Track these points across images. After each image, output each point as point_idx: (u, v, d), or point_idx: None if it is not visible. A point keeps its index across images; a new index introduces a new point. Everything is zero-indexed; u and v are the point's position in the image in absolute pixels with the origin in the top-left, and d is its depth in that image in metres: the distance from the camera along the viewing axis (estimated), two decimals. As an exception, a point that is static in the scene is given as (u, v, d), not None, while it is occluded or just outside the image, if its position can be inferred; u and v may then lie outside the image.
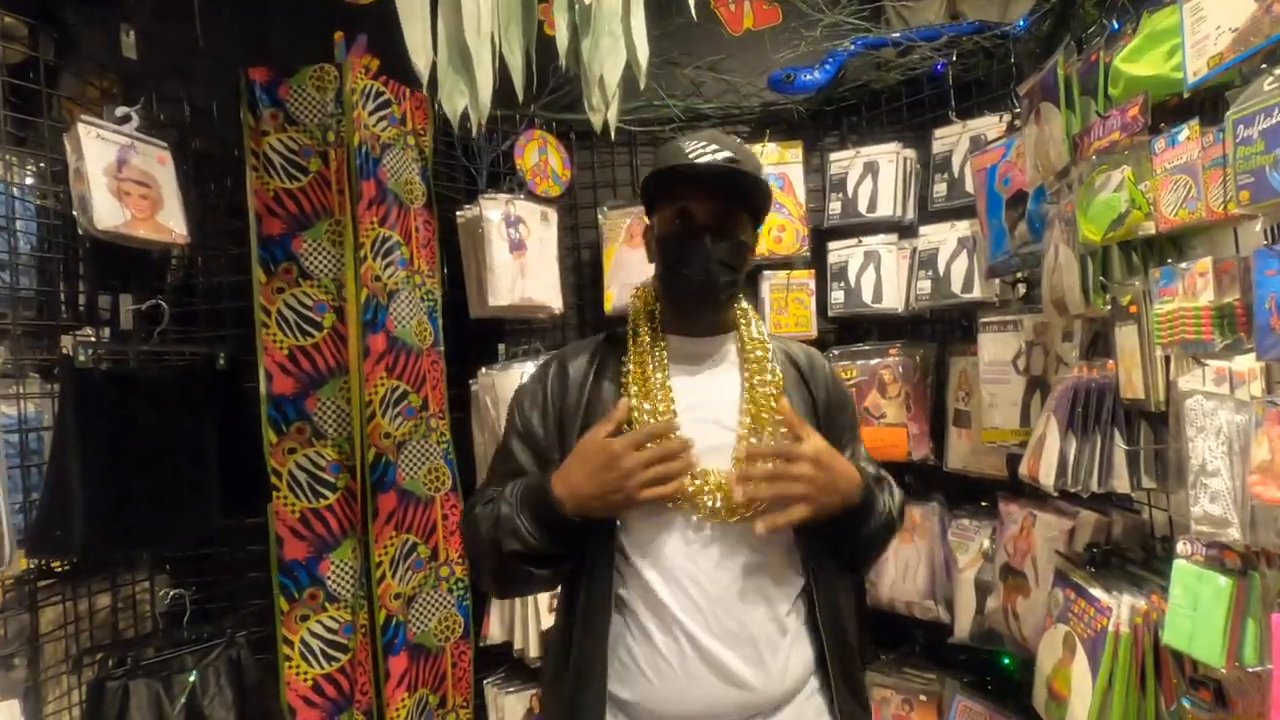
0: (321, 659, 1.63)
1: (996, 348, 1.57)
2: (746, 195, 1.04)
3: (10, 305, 1.32)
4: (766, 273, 2.06)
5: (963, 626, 1.74)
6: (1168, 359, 1.01)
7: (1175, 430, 0.97)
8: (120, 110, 1.41)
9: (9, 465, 1.23)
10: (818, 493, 0.95)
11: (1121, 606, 1.11)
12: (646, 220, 1.12)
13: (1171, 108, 1.02)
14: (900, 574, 1.93)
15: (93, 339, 1.44)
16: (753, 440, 1.01)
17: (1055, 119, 1.25)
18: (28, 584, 1.34)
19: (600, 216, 2.14)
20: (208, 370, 1.51)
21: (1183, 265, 0.94)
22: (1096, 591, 1.17)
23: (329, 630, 1.64)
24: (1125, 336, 1.09)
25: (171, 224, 1.44)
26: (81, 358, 1.29)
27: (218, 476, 1.44)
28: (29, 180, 1.40)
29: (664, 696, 0.96)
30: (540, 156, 2.10)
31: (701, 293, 1.03)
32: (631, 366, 1.05)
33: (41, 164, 1.42)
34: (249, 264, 1.66)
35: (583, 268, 2.21)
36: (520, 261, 1.88)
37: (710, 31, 2.17)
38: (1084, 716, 1.14)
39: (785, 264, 2.07)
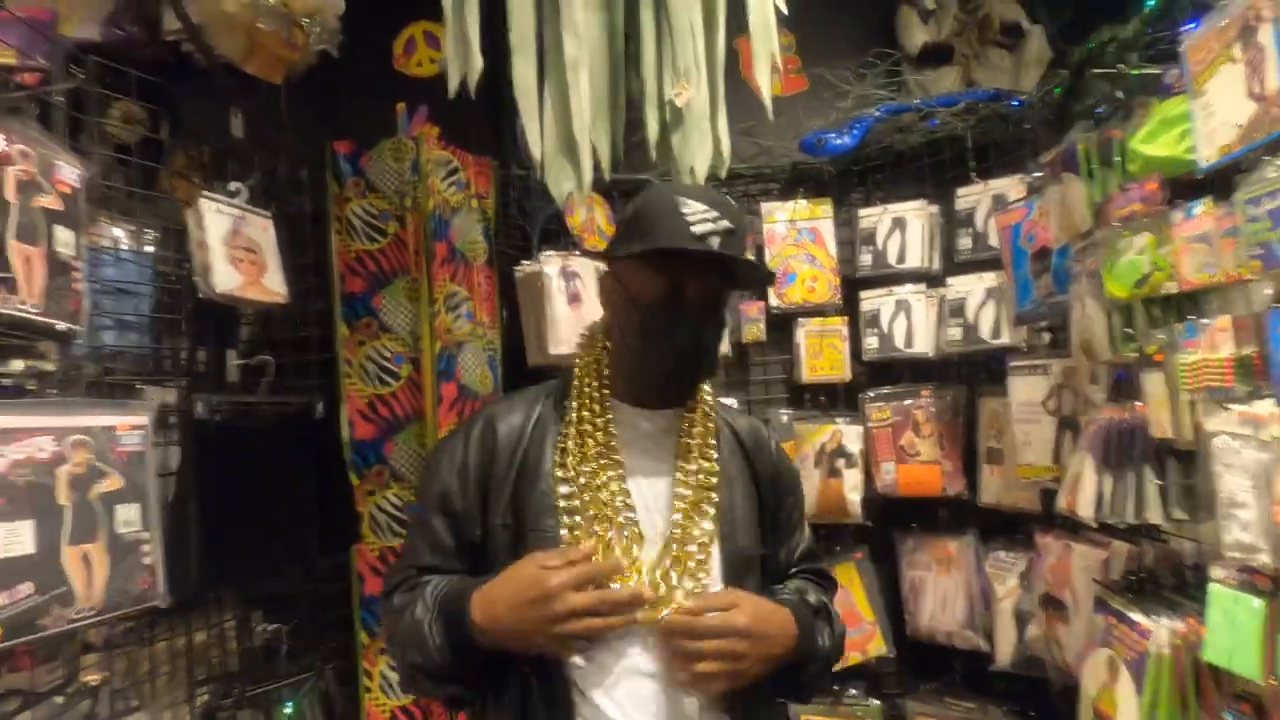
0: (398, 690, 1.72)
1: (1027, 390, 1.69)
2: (739, 275, 1.00)
3: (133, 363, 1.46)
4: (801, 320, 2.20)
5: (1004, 655, 1.83)
6: (1193, 402, 1.14)
7: (1205, 467, 1.09)
8: (233, 185, 1.56)
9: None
10: (752, 665, 0.87)
11: (1160, 629, 1.21)
12: (611, 269, 0.99)
13: (1186, 182, 1.17)
14: (939, 605, 2.03)
15: (200, 393, 1.56)
16: (672, 606, 0.87)
17: (1077, 187, 1.40)
18: (145, 619, 1.45)
19: (644, 268, 2.29)
20: (306, 419, 1.64)
21: (1204, 321, 1.08)
22: (1136, 616, 1.27)
23: (405, 664, 1.73)
24: (1152, 382, 1.22)
25: (274, 285, 1.59)
26: (200, 410, 1.42)
27: (316, 519, 1.55)
28: (149, 249, 1.55)
29: None
30: (588, 215, 2.26)
31: (681, 376, 0.97)
32: (571, 442, 0.94)
33: (156, 233, 1.57)
34: (333, 319, 1.81)
35: (627, 316, 2.35)
36: (578, 313, 2.02)
37: (743, 98, 2.36)
38: (1131, 734, 1.23)
39: (818, 312, 2.21)
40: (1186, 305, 1.22)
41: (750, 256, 1.01)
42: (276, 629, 1.56)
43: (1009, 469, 1.85)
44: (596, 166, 1.16)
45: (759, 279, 1.08)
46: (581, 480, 0.92)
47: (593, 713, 0.87)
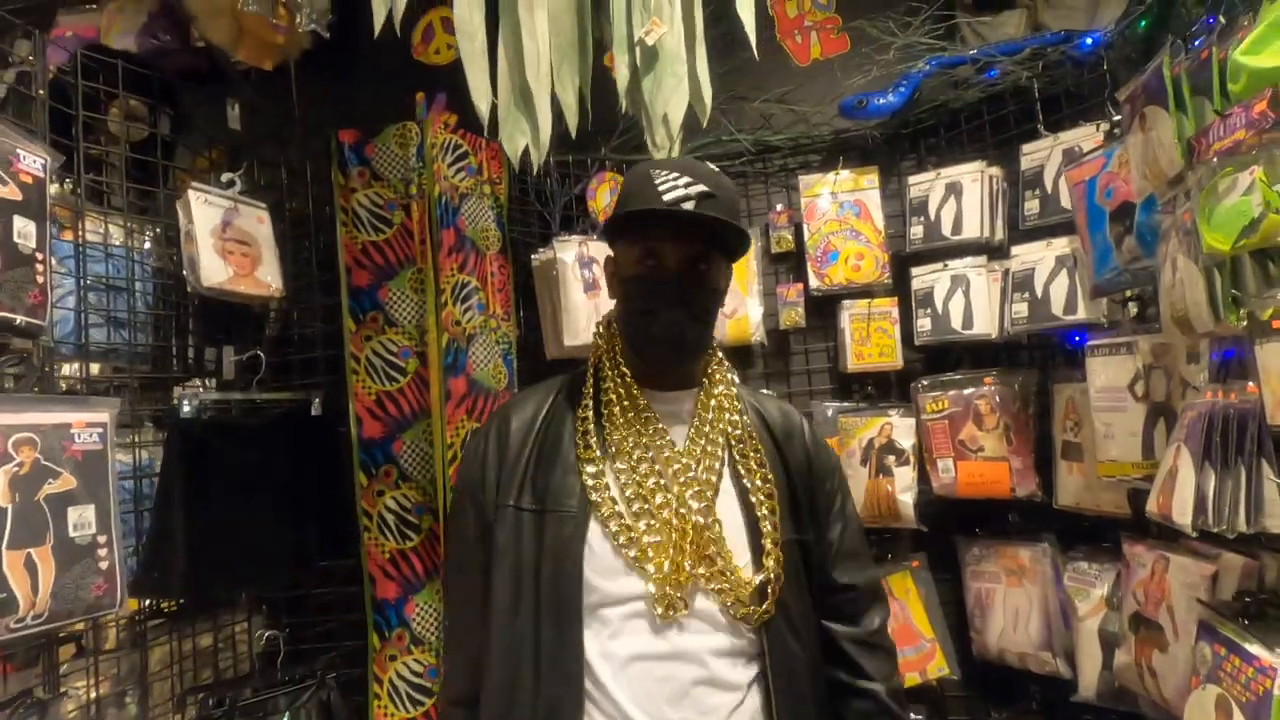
0: (407, 702, 1.63)
1: (1109, 373, 1.44)
2: (722, 237, 0.95)
3: (129, 360, 1.42)
4: (846, 302, 1.99)
5: (1088, 683, 1.57)
6: (1325, 379, 0.89)
7: (1343, 461, 0.85)
8: (225, 176, 1.52)
9: (124, 511, 1.30)
10: None
11: (1287, 666, 0.97)
12: (611, 253, 1.03)
13: (1306, 99, 0.91)
14: (1010, 622, 1.78)
15: (200, 390, 1.53)
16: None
17: (1164, 123, 1.15)
18: (139, 624, 1.41)
19: (672, 253, 2.14)
20: (302, 416, 1.57)
21: (1337, 272, 0.83)
22: (1254, 649, 1.02)
23: (414, 673, 1.65)
24: (1270, 355, 0.97)
25: (269, 279, 1.53)
26: (186, 408, 1.36)
27: (314, 519, 1.48)
28: (147, 245, 1.52)
29: None
30: (612, 198, 2.13)
31: (669, 348, 0.96)
32: (590, 424, 0.96)
33: (157, 229, 1.54)
34: (340, 314, 1.74)
35: (655, 305, 2.20)
36: (594, 301, 1.89)
37: (777, 64, 2.17)
38: (1249, 794, 0.99)
39: (865, 292, 2.00)
40: (1312, 257, 0.97)
41: (736, 223, 0.94)
42: (274, 635, 1.49)
43: (1089, 466, 1.59)
44: (582, 134, 1.03)
45: (739, 236, 0.96)
46: (609, 461, 0.94)
47: (608, 704, 0.87)
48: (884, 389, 2.02)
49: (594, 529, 0.91)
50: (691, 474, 0.94)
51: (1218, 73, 1.06)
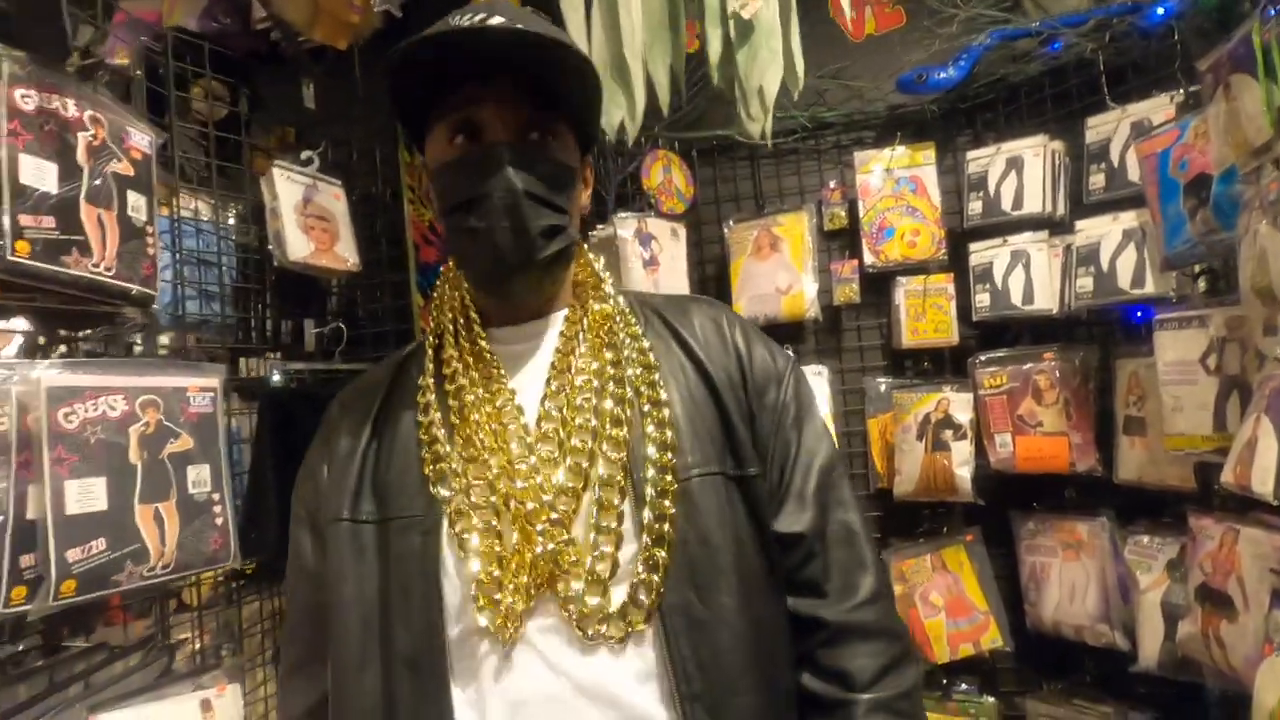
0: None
1: (1179, 347, 1.44)
2: (560, 86, 0.69)
3: (219, 332, 1.49)
4: (901, 278, 2.00)
5: (1149, 654, 1.58)
6: None
7: None
8: (305, 154, 1.57)
9: (221, 473, 1.37)
10: None
11: (1370, 632, 0.98)
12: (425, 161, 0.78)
13: None
14: (1066, 595, 1.79)
15: (283, 361, 1.59)
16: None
17: (1251, 91, 1.14)
18: (230, 583, 1.49)
19: (725, 230, 2.16)
20: (379, 387, 1.63)
21: None
22: (1334, 614, 1.03)
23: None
24: (1360, 324, 0.97)
25: (346, 254, 1.58)
26: (276, 378, 1.42)
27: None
28: (231, 220, 1.58)
29: None
30: (665, 176, 2.14)
31: (510, 253, 0.69)
32: (430, 395, 0.73)
33: (240, 206, 1.60)
34: (409, 289, 1.79)
35: (708, 282, 2.23)
36: (654, 277, 1.92)
37: (831, 40, 2.16)
38: (1326, 757, 1.01)
39: (920, 269, 2.00)
40: None
41: (577, 48, 0.70)
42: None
43: (1154, 440, 1.59)
44: (654, 98, 1.05)
45: (591, 86, 0.72)
46: (457, 439, 0.71)
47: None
48: (938, 365, 2.03)
49: (447, 536, 0.68)
50: (539, 460, 0.69)
51: (1312, 39, 1.05)
